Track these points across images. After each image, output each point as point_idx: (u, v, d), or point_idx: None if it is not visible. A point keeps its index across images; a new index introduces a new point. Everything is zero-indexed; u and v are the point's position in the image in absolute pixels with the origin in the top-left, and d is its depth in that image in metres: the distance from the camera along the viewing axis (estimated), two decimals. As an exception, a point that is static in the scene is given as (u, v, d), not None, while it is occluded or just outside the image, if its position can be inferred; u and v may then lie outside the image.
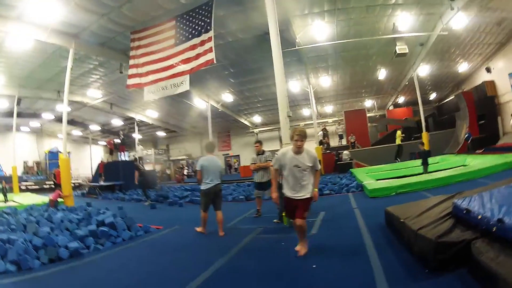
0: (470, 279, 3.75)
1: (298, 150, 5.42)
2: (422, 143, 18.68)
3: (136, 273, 5.52)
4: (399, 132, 24.10)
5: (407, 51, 19.27)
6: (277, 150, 6.65)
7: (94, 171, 30.34)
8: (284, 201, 5.79)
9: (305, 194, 5.43)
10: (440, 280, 3.93)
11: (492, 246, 3.70)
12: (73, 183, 22.81)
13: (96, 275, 5.50)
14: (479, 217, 4.26)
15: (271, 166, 6.49)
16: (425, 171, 15.74)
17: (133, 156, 29.18)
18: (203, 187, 7.95)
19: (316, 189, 5.69)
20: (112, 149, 31.69)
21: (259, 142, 10.17)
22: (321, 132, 31.57)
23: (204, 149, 8.78)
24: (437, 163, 19.00)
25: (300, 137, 5.33)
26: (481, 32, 21.77)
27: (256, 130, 43.48)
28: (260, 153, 9.84)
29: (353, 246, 5.79)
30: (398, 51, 19.14)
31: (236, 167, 44.44)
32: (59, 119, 29.20)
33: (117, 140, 33.41)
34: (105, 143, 42.70)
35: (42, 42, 15.91)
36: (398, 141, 23.53)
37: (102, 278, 5.33)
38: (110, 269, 5.77)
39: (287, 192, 5.56)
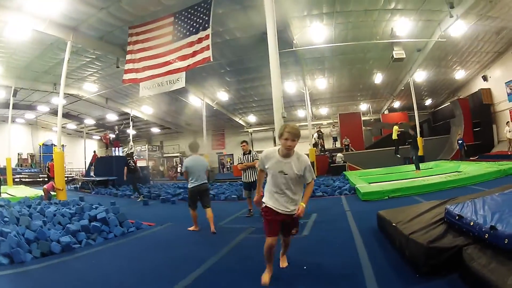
0: (461, 285, 3.75)
1: (287, 153, 4.29)
2: (413, 128, 18.79)
3: (128, 269, 5.49)
4: (396, 127, 24.05)
5: (404, 56, 19.38)
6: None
7: (87, 165, 30.32)
8: (263, 212, 4.50)
9: (291, 208, 4.35)
10: (431, 285, 3.93)
11: (484, 253, 3.70)
12: (67, 177, 22.71)
13: (87, 271, 5.46)
14: (472, 223, 4.26)
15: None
16: (417, 165, 15.84)
17: (126, 152, 29.28)
18: (189, 186, 8.16)
19: (304, 204, 4.41)
20: (108, 143, 31.65)
21: (245, 141, 10.31)
22: (316, 134, 31.54)
23: (188, 149, 8.83)
24: (431, 168, 19.05)
25: (291, 135, 4.16)
26: (480, 41, 21.85)
27: (250, 130, 43.53)
28: (246, 152, 9.94)
29: (344, 249, 5.78)
30: (395, 56, 19.24)
31: (228, 166, 44.33)
32: (54, 112, 29.29)
33: (112, 135, 33.38)
34: (99, 137, 42.62)
35: (40, 34, 15.90)
36: (394, 136, 23.40)
37: (93, 274, 5.28)
38: (101, 265, 5.73)
39: (268, 201, 4.42)
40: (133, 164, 16.62)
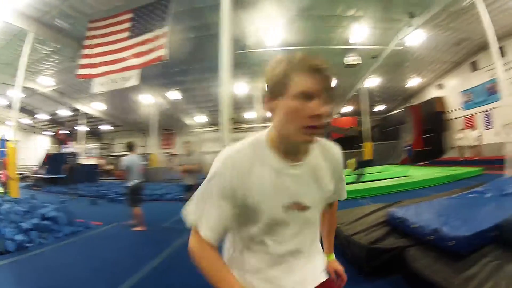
0: (404, 285, 3.85)
1: (307, 145, 1.58)
2: (357, 154, 18.75)
3: (76, 269, 5.50)
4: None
5: (359, 62, 19.52)
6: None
7: (40, 162, 29.61)
8: None
9: (318, 274, 1.74)
10: (374, 286, 4.02)
11: (427, 254, 3.81)
12: (20, 173, 22.12)
13: (37, 272, 5.45)
14: (414, 226, 4.36)
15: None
16: (357, 180, 15.88)
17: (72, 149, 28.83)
18: (129, 184, 8.28)
19: (333, 257, 2.04)
20: (62, 139, 30.97)
21: (188, 142, 9.86)
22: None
23: (125, 148, 8.81)
24: (379, 172, 19.36)
25: (323, 83, 1.38)
26: (438, 50, 22.16)
27: (201, 130, 43.11)
28: (188, 154, 9.34)
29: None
30: (349, 62, 19.37)
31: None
32: (9, 105, 28.32)
33: (64, 132, 32.71)
34: (52, 133, 41.61)
35: (4, 25, 15.43)
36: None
37: (42, 276, 5.25)
38: (51, 266, 5.73)
39: (259, 281, 1.65)
40: (74, 162, 16.49)
